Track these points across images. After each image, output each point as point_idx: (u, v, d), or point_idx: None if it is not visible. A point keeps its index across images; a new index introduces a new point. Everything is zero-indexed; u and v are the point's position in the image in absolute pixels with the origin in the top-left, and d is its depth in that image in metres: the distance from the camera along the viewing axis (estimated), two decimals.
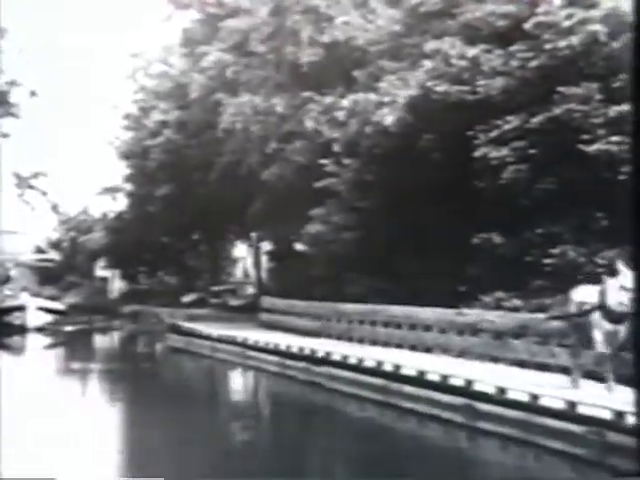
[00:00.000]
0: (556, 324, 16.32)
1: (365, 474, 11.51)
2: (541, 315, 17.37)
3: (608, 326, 13.52)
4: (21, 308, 39.25)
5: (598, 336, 13.72)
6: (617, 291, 13.23)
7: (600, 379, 13.93)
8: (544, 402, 13.28)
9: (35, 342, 34.39)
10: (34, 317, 38.94)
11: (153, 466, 12.00)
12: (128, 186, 49.03)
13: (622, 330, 13.40)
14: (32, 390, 19.50)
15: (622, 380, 12.96)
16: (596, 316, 13.73)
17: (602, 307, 13.58)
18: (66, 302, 46.93)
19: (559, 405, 12.88)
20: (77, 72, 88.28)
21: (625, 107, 18.18)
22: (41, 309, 40.24)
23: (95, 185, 53.29)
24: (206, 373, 25.62)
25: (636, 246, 4.52)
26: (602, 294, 13.63)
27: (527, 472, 11.87)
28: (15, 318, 38.66)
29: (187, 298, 45.04)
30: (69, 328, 39.12)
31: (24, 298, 42.03)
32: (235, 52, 32.68)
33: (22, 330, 36.99)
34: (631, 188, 4.50)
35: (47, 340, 35.25)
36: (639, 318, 4.26)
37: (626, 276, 12.82)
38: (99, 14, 79.28)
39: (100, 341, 36.62)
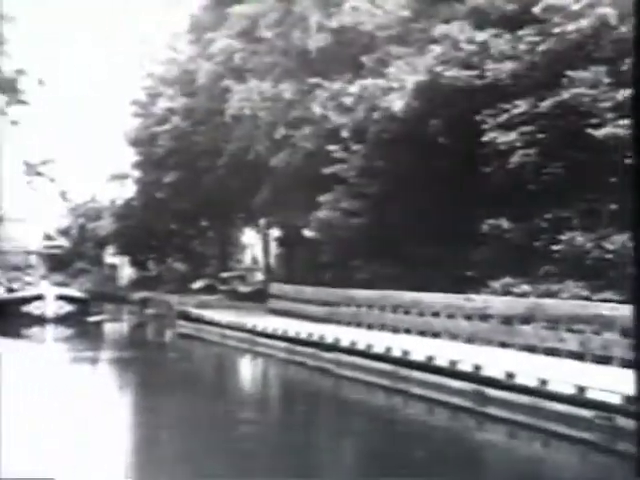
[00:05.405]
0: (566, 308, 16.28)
1: (374, 462, 11.50)
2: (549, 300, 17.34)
3: None
4: (40, 297, 37.14)
5: None
6: None
7: None
8: (552, 387, 13.24)
9: (51, 333, 33.77)
10: (55, 306, 36.92)
11: (159, 450, 12.08)
12: (136, 173, 49.11)
13: None
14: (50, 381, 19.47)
15: None
16: None
17: None
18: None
19: (567, 390, 12.85)
20: (86, 60, 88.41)
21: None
22: (61, 298, 37.82)
23: (103, 172, 53.26)
24: (215, 360, 25.65)
25: (636, 236, 4.47)
26: None
27: (533, 456, 11.90)
28: (35, 308, 36.55)
29: (196, 285, 45.03)
30: (94, 318, 37.23)
31: (43, 287, 40.96)
32: (243, 38, 32.60)
33: (41, 321, 35.35)
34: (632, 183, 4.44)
35: (66, 331, 33.91)
36: (639, 307, 4.19)
37: None
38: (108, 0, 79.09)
39: (110, 328, 36.56)
